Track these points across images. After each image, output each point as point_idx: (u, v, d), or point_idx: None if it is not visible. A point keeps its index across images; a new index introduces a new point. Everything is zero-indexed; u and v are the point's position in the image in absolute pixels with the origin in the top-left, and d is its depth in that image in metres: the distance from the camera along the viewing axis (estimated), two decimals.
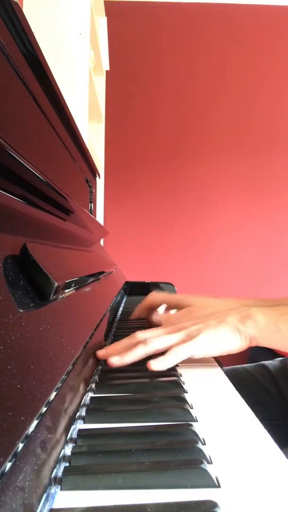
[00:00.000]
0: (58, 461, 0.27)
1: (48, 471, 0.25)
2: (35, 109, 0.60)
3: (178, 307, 0.80)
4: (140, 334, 0.55)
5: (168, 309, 0.83)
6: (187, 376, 0.51)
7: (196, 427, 0.34)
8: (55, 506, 0.24)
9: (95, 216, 1.36)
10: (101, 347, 0.57)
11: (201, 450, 0.30)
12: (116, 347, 0.55)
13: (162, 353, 0.52)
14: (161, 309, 0.91)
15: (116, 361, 0.51)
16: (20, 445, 0.21)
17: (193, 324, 0.56)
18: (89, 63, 1.79)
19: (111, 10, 2.56)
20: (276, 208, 2.82)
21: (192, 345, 0.52)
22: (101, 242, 1.93)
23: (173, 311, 0.94)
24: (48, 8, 1.72)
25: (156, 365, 0.50)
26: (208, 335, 0.54)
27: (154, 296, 0.80)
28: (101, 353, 0.54)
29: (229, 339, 0.54)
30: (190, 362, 0.58)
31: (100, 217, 2.57)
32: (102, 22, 2.33)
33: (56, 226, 0.57)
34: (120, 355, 0.52)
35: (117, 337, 0.74)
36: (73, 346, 0.38)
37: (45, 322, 0.33)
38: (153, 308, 0.81)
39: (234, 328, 0.54)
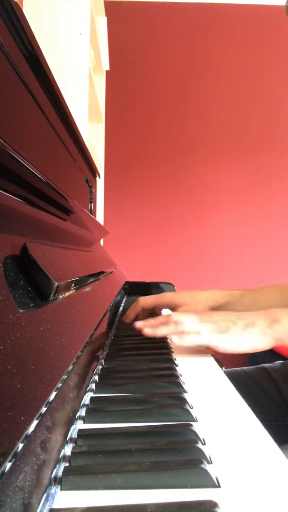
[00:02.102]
0: (58, 461, 0.27)
1: (48, 471, 0.25)
2: (35, 109, 0.60)
3: (170, 307, 0.82)
4: (175, 316, 0.61)
5: (158, 309, 0.85)
6: (187, 376, 0.51)
7: (196, 427, 0.34)
8: (55, 506, 0.24)
9: (95, 216, 1.35)
10: (102, 347, 0.57)
11: (201, 450, 0.30)
12: (152, 323, 0.62)
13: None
14: (164, 311, 0.91)
15: (149, 331, 0.61)
16: (20, 445, 0.21)
17: (224, 320, 0.60)
18: (89, 63, 1.79)
19: (111, 10, 2.56)
20: (276, 207, 2.82)
21: (220, 337, 0.58)
22: (101, 242, 1.93)
23: (164, 311, 0.94)
24: (48, 8, 1.72)
25: (177, 338, 0.58)
26: (236, 332, 0.58)
27: (144, 300, 0.81)
28: (138, 324, 0.63)
29: (255, 341, 0.58)
30: (191, 362, 0.58)
31: (100, 217, 2.57)
32: (102, 22, 2.33)
33: (56, 226, 0.57)
34: (154, 327, 0.60)
35: (117, 337, 0.74)
36: (73, 346, 0.38)
37: (45, 322, 0.33)
38: (146, 310, 0.83)
39: (262, 332, 0.58)
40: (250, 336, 0.58)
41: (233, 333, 0.58)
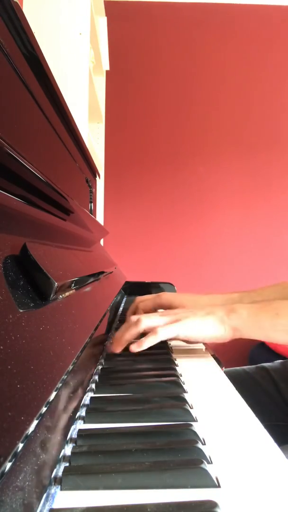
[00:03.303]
0: (58, 461, 0.27)
1: (48, 471, 0.25)
2: (35, 109, 0.60)
3: (169, 308, 0.81)
4: (133, 317, 0.64)
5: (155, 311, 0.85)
6: (187, 376, 0.51)
7: (196, 427, 0.34)
8: (55, 506, 0.24)
9: (95, 216, 1.35)
10: (102, 347, 0.57)
11: (201, 450, 0.30)
12: (117, 336, 0.63)
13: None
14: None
15: (115, 348, 0.61)
16: (20, 445, 0.21)
17: (183, 312, 0.64)
18: (89, 63, 1.79)
19: (111, 10, 2.56)
20: (277, 207, 2.82)
21: (177, 326, 0.60)
22: (101, 242, 1.93)
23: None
24: (48, 8, 1.72)
25: (135, 347, 0.59)
26: (194, 320, 0.61)
27: (143, 305, 0.81)
28: (114, 347, 0.62)
29: (214, 327, 0.61)
30: (191, 362, 0.58)
31: (100, 217, 2.57)
32: (102, 22, 2.33)
33: (56, 226, 0.57)
34: (117, 341, 0.62)
35: None
36: (73, 346, 0.38)
37: (45, 322, 0.33)
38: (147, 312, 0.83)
39: (220, 319, 0.62)
40: (208, 323, 0.61)
41: (191, 320, 0.61)
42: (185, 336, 0.61)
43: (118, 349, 0.62)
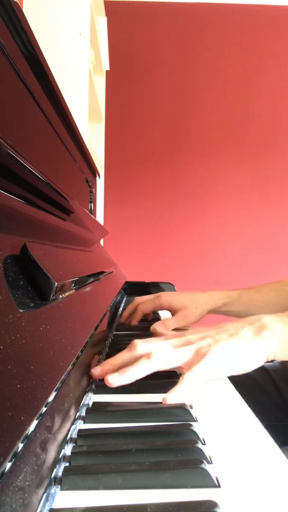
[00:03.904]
0: (58, 461, 0.27)
1: (48, 471, 0.25)
2: (35, 109, 0.60)
3: (168, 309, 0.81)
4: (142, 346, 0.47)
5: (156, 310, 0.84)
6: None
7: (196, 427, 0.34)
8: (55, 506, 0.24)
9: (95, 216, 1.35)
10: (102, 347, 0.57)
11: (201, 450, 0.30)
12: (114, 362, 0.47)
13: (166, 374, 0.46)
14: (162, 313, 0.90)
15: (115, 380, 0.43)
16: (20, 445, 0.21)
17: (201, 339, 0.48)
18: (89, 63, 1.79)
19: (111, 10, 2.56)
20: (276, 208, 2.82)
21: (204, 366, 0.44)
22: (101, 242, 1.93)
23: (162, 312, 0.94)
24: (48, 8, 1.72)
25: (171, 397, 0.41)
26: (220, 351, 0.46)
27: (143, 306, 0.80)
28: (96, 372, 0.46)
29: (245, 355, 0.47)
30: None
31: (100, 217, 2.57)
32: (102, 22, 2.33)
33: (56, 226, 0.57)
34: (120, 372, 0.44)
35: (117, 337, 0.74)
36: (73, 346, 0.37)
37: (45, 322, 0.33)
38: (145, 314, 0.82)
39: (249, 341, 0.47)
40: (237, 351, 0.46)
41: (217, 351, 0.45)
42: (214, 376, 0.46)
43: (116, 384, 0.43)
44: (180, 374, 0.51)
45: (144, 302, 0.81)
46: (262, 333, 0.48)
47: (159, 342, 0.48)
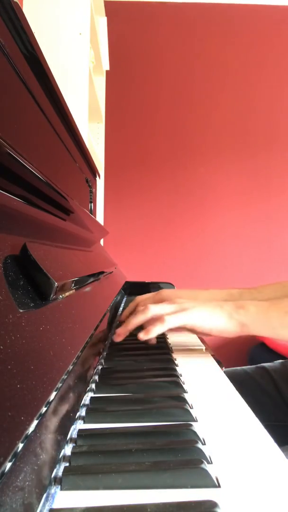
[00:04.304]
0: (58, 461, 0.27)
1: (48, 471, 0.25)
2: (35, 109, 0.60)
3: None
4: (141, 307, 0.65)
5: None
6: (187, 376, 0.51)
7: (196, 427, 0.34)
8: (55, 506, 0.24)
9: (95, 216, 1.35)
10: (102, 347, 0.57)
11: (201, 450, 0.29)
12: (131, 324, 0.64)
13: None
14: None
15: (120, 330, 0.63)
16: (20, 445, 0.21)
17: (190, 302, 0.63)
18: (89, 63, 1.79)
19: (111, 10, 2.56)
20: (276, 207, 2.82)
21: (184, 314, 0.60)
22: (101, 242, 1.93)
23: None
24: (48, 8, 1.72)
25: (143, 334, 0.59)
26: (202, 310, 0.61)
27: (143, 302, 0.80)
28: (120, 334, 0.64)
29: (222, 319, 0.60)
30: (191, 362, 0.58)
31: (100, 217, 2.57)
32: (102, 22, 2.33)
33: (56, 226, 0.57)
34: (123, 327, 0.63)
35: None
36: (73, 346, 0.38)
37: (45, 322, 0.33)
38: None
39: (228, 313, 0.61)
40: (216, 315, 0.60)
41: (199, 309, 0.60)
42: (193, 325, 0.60)
43: (121, 336, 0.63)
44: (181, 375, 0.51)
45: (144, 299, 0.82)
46: (239, 310, 0.61)
47: (156, 304, 0.65)
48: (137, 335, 0.60)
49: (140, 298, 0.83)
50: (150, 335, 0.59)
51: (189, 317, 0.60)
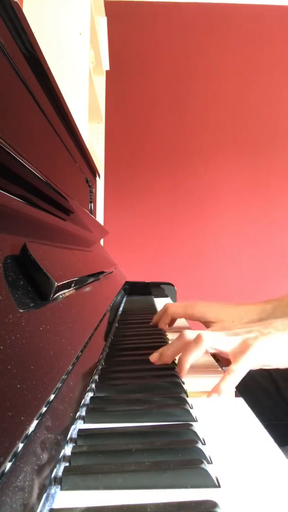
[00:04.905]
0: (58, 461, 0.27)
1: (48, 471, 0.25)
2: (35, 109, 0.60)
3: (201, 320, 0.78)
4: (190, 333, 0.51)
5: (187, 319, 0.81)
6: (187, 376, 0.51)
7: (196, 427, 0.34)
8: (55, 506, 0.24)
9: (95, 216, 1.35)
10: (102, 347, 0.57)
11: (201, 450, 0.29)
12: (167, 353, 0.52)
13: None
14: (180, 320, 0.88)
15: (154, 359, 0.51)
16: (20, 445, 0.21)
17: (248, 332, 0.50)
18: (89, 63, 1.79)
19: (111, 10, 2.56)
20: (276, 207, 2.82)
21: (249, 356, 0.47)
22: (101, 242, 1.93)
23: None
24: (48, 8, 1.72)
25: (220, 391, 0.44)
26: (265, 343, 0.48)
27: (173, 310, 0.77)
28: (153, 359, 0.53)
29: None
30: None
31: (100, 217, 2.57)
32: (102, 22, 2.33)
33: (56, 226, 0.57)
34: (159, 357, 0.51)
35: (117, 337, 0.74)
36: (73, 346, 0.38)
37: (45, 322, 0.33)
38: (174, 319, 0.80)
39: None
40: (285, 343, 0.48)
41: (264, 342, 0.48)
42: (264, 365, 0.49)
43: (183, 373, 0.49)
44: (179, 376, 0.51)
45: (175, 306, 0.78)
46: None
47: (207, 331, 0.51)
48: (207, 394, 0.45)
49: (169, 304, 0.79)
50: (223, 392, 0.45)
51: (254, 358, 0.47)
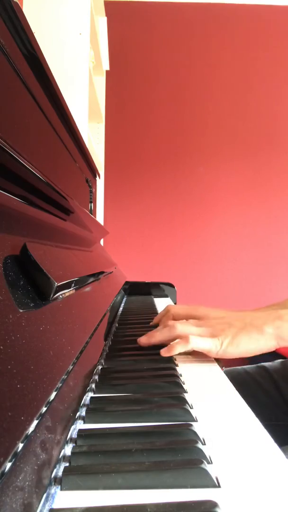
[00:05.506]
0: (58, 461, 0.27)
1: (48, 471, 0.25)
2: (35, 109, 0.60)
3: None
4: (170, 322, 0.61)
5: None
6: (187, 376, 0.51)
7: (196, 427, 0.34)
8: (55, 506, 0.24)
9: (95, 216, 1.36)
10: (101, 347, 0.57)
11: (201, 450, 0.29)
12: (156, 338, 0.61)
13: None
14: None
15: (143, 340, 0.61)
16: (20, 445, 0.21)
17: (218, 324, 0.57)
18: (89, 63, 1.79)
19: (111, 10, 2.56)
20: (276, 206, 2.82)
21: (212, 341, 0.54)
22: (101, 242, 1.93)
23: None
24: (48, 8, 1.72)
25: (164, 351, 0.56)
26: (231, 334, 0.55)
27: (175, 311, 0.78)
28: (142, 341, 0.62)
29: (254, 339, 0.54)
30: (191, 362, 0.58)
31: (100, 217, 2.57)
32: (102, 22, 2.33)
33: (56, 226, 0.57)
34: (148, 336, 0.61)
35: (117, 337, 0.74)
36: (73, 346, 0.38)
37: (45, 322, 0.33)
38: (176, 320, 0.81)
39: (260, 329, 0.55)
40: (248, 336, 0.54)
41: (227, 334, 0.55)
42: (222, 353, 0.55)
43: (145, 343, 0.61)
44: (181, 375, 0.51)
45: (178, 308, 0.79)
46: (275, 322, 0.55)
47: (183, 321, 0.62)
48: (160, 351, 0.57)
49: (171, 306, 0.80)
50: (172, 352, 0.55)
51: (217, 345, 0.55)
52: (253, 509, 0.25)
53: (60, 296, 0.42)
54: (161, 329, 0.61)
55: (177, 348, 0.55)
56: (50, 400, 0.28)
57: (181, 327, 0.59)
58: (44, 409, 0.26)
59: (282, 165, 2.81)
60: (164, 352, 0.56)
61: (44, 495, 0.24)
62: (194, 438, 0.32)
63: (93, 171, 1.28)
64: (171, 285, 1.49)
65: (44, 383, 0.27)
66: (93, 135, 2.41)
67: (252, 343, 0.54)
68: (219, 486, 0.27)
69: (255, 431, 0.36)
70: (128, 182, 2.78)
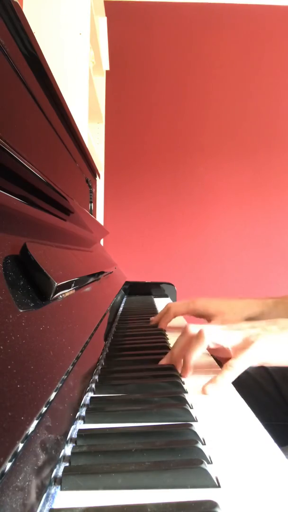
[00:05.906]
0: (58, 461, 0.27)
1: (48, 471, 0.25)
2: (35, 109, 0.60)
3: (203, 316, 0.79)
4: (193, 327, 0.52)
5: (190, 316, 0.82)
6: (187, 376, 0.51)
7: (196, 427, 0.34)
8: (55, 506, 0.24)
9: (95, 216, 1.36)
10: (101, 347, 0.57)
11: (201, 450, 0.29)
12: (174, 352, 0.53)
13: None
14: (179, 319, 0.88)
15: (184, 373, 0.50)
16: (20, 445, 0.21)
17: (251, 327, 0.51)
18: (89, 63, 1.79)
19: (111, 10, 2.56)
20: (276, 206, 2.82)
21: (250, 353, 0.47)
22: (101, 242, 1.93)
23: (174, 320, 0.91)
24: (48, 8, 1.72)
25: (211, 389, 0.45)
26: (268, 340, 0.48)
27: (176, 309, 0.78)
28: (164, 362, 0.53)
29: None
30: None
31: (100, 217, 2.57)
32: (102, 22, 2.33)
33: (56, 226, 0.57)
34: (185, 364, 0.50)
35: (117, 337, 0.74)
36: (73, 346, 0.38)
37: (45, 322, 0.33)
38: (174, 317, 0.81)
39: None
40: (286, 342, 0.48)
41: (265, 340, 0.48)
42: (265, 362, 0.48)
43: (187, 374, 0.50)
44: (181, 375, 0.51)
45: (177, 305, 0.79)
46: None
47: (210, 326, 0.52)
48: (204, 388, 0.46)
49: (171, 303, 0.80)
50: (219, 387, 0.45)
51: (254, 356, 0.47)
52: (253, 509, 0.25)
53: (60, 296, 0.42)
54: (188, 342, 0.51)
55: (224, 380, 0.46)
56: (50, 400, 0.28)
57: (211, 335, 0.49)
58: (44, 409, 0.26)
59: (282, 165, 2.81)
60: (210, 389, 0.45)
61: (44, 495, 0.24)
62: (194, 438, 0.32)
63: (93, 171, 1.28)
64: (171, 285, 1.49)
65: (44, 383, 0.27)
66: (93, 135, 2.41)
67: None
68: (219, 486, 0.27)
69: (255, 431, 0.36)
70: (128, 182, 2.78)
